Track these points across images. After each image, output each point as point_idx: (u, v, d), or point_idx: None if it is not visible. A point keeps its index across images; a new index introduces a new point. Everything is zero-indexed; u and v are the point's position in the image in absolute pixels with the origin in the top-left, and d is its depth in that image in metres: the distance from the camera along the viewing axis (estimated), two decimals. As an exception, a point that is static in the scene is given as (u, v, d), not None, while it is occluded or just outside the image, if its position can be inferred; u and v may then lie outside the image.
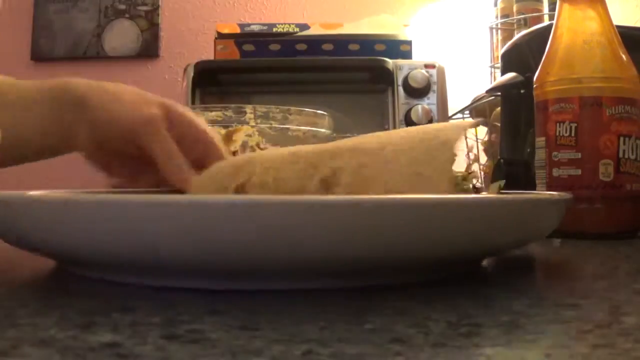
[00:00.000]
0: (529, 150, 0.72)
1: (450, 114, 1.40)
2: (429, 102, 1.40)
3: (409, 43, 1.52)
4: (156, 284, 0.30)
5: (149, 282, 0.30)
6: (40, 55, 2.01)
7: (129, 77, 1.96)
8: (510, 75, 0.79)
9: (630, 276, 0.35)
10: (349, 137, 0.47)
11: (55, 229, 0.29)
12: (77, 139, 0.61)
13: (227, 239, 0.26)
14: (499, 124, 0.90)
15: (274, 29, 1.55)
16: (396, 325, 0.23)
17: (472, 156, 1.14)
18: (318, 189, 0.34)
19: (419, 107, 1.39)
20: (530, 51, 0.75)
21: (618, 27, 0.57)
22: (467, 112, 1.22)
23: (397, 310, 0.25)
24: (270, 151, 0.55)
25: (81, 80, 0.62)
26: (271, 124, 0.68)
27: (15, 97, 0.60)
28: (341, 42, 1.50)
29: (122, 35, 2.02)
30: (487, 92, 0.99)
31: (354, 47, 1.50)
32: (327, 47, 1.50)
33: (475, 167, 1.13)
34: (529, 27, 0.90)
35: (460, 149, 1.11)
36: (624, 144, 0.54)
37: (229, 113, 0.92)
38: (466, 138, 1.08)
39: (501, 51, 0.88)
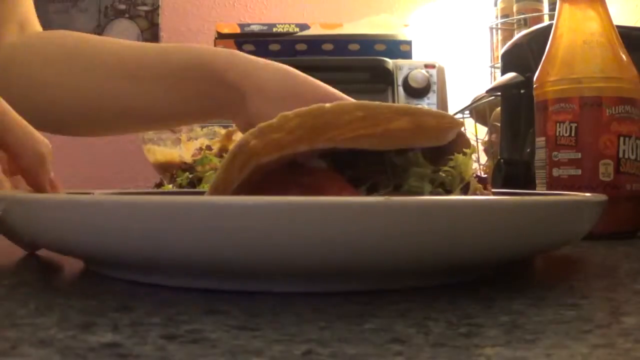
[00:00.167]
0: (529, 150, 0.72)
1: (450, 114, 1.40)
2: (429, 102, 1.40)
3: (409, 43, 1.52)
4: (157, 282, 0.30)
5: (150, 280, 0.30)
6: (40, 55, 2.01)
7: (129, 77, 1.95)
8: (510, 75, 0.79)
9: (630, 276, 0.35)
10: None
11: (57, 228, 0.30)
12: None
13: (230, 239, 0.25)
14: (499, 124, 0.90)
15: (274, 29, 1.55)
16: (396, 325, 0.23)
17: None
18: None
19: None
20: (530, 51, 0.75)
21: (618, 27, 0.57)
22: (467, 112, 1.22)
23: (397, 310, 0.25)
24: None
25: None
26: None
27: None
28: (341, 42, 1.50)
29: (122, 35, 2.02)
30: (487, 92, 0.99)
31: (354, 47, 1.50)
32: (327, 47, 1.50)
33: (475, 167, 1.13)
34: (529, 27, 0.90)
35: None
36: (624, 144, 0.54)
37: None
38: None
39: (501, 51, 0.88)
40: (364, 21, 1.57)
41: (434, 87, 1.41)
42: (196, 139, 0.97)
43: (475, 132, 1.16)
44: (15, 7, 0.68)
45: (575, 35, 0.56)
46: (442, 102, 1.41)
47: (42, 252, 0.42)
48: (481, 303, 0.27)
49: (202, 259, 0.27)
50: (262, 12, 2.00)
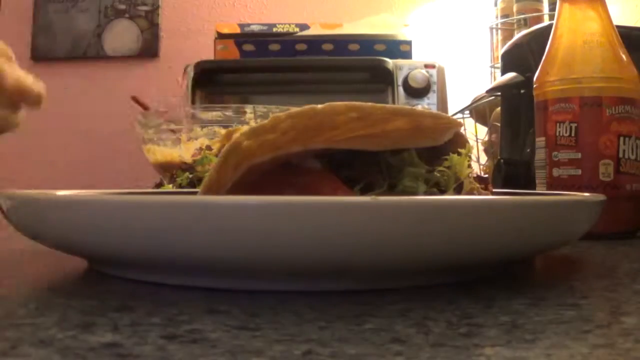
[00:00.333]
0: (529, 150, 0.72)
1: (450, 114, 1.40)
2: (429, 102, 1.40)
3: (409, 43, 1.52)
4: (158, 280, 0.30)
5: (151, 278, 0.30)
6: (40, 55, 2.01)
7: (128, 77, 1.96)
8: (510, 75, 0.79)
9: (630, 276, 0.35)
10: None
11: (59, 226, 0.30)
12: None
13: (229, 238, 0.26)
14: (499, 124, 0.90)
15: (274, 29, 1.55)
16: (396, 325, 0.23)
17: (472, 156, 1.14)
18: None
19: (419, 107, 1.39)
20: (530, 51, 0.75)
21: (618, 27, 0.57)
22: (467, 112, 1.22)
23: (397, 310, 0.25)
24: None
25: None
26: (271, 124, 0.68)
27: None
28: (341, 42, 1.50)
29: (122, 35, 2.02)
30: (487, 92, 0.99)
31: (353, 47, 1.50)
32: (327, 47, 1.50)
33: (475, 167, 1.13)
34: (529, 27, 0.90)
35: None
36: (624, 144, 0.54)
37: (229, 113, 0.92)
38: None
39: (501, 51, 0.88)
40: (364, 21, 1.57)
41: (434, 87, 1.41)
42: (196, 139, 0.97)
43: (475, 132, 1.16)
44: None
45: (575, 35, 0.56)
46: (442, 102, 1.41)
47: (43, 251, 0.42)
48: (481, 303, 0.27)
49: (201, 258, 0.27)
50: (262, 12, 2.00)
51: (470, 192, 0.37)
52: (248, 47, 1.51)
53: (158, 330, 0.22)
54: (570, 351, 0.20)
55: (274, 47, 1.51)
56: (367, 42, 1.50)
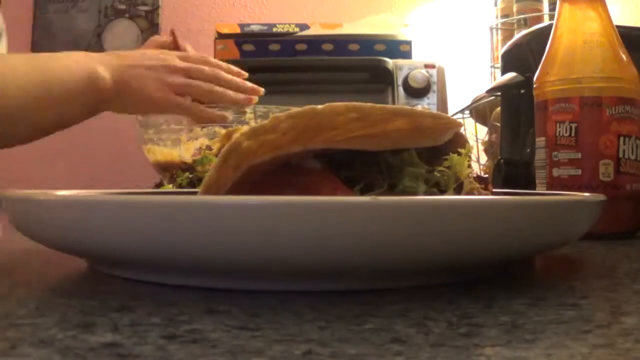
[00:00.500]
0: (529, 150, 0.72)
1: (450, 114, 1.40)
2: (429, 102, 1.40)
3: (409, 43, 1.52)
4: (158, 280, 0.30)
5: (151, 278, 0.30)
6: (40, 55, 2.01)
7: (129, 77, 1.95)
8: (510, 75, 0.79)
9: (630, 276, 0.35)
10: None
11: (58, 226, 0.30)
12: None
13: (228, 238, 0.26)
14: (499, 124, 0.90)
15: (274, 29, 1.55)
16: (396, 325, 0.23)
17: (472, 156, 1.14)
18: None
19: (419, 107, 1.39)
20: (530, 51, 0.75)
21: (618, 27, 0.57)
22: (467, 112, 1.22)
23: (397, 310, 0.25)
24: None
25: (107, 74, 0.75)
26: (271, 124, 0.69)
27: (59, 91, 0.75)
28: (341, 42, 1.50)
29: (122, 35, 2.02)
30: (487, 92, 0.99)
31: (353, 47, 1.50)
32: (327, 47, 1.50)
33: (475, 167, 1.13)
34: (529, 27, 0.90)
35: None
36: (624, 144, 0.54)
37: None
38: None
39: (501, 51, 0.88)
40: (364, 21, 1.57)
41: (434, 87, 1.41)
42: (196, 139, 0.97)
43: (475, 132, 1.16)
44: None
45: (575, 35, 0.56)
46: (442, 102, 1.41)
47: (43, 251, 0.42)
48: (481, 303, 0.27)
49: (201, 258, 0.27)
50: (262, 12, 2.00)
51: (470, 192, 0.37)
52: (248, 47, 1.51)
53: (158, 330, 0.22)
54: (570, 351, 0.20)
55: (274, 47, 1.50)
56: (367, 42, 1.50)
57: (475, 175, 0.39)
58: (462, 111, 1.20)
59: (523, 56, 0.77)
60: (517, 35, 0.86)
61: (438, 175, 0.35)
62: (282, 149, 0.32)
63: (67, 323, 0.23)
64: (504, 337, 0.21)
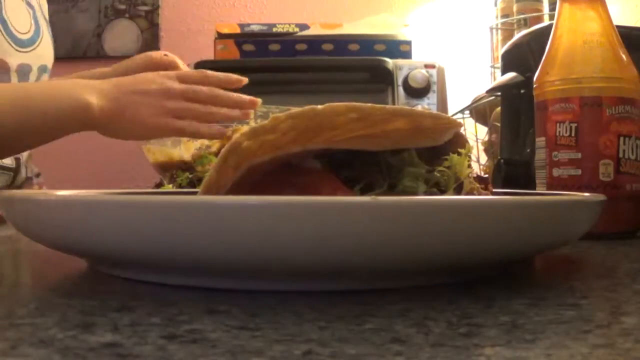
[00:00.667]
0: (529, 150, 0.72)
1: (450, 114, 1.40)
2: (429, 102, 1.40)
3: (409, 43, 1.52)
4: (158, 280, 0.30)
5: (150, 279, 0.30)
6: (40, 55, 2.01)
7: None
8: (510, 75, 0.79)
9: (630, 276, 0.35)
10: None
11: (58, 226, 0.30)
12: None
13: (228, 238, 0.26)
14: (499, 124, 0.90)
15: (274, 29, 1.55)
16: (396, 325, 0.23)
17: (472, 156, 1.13)
18: None
19: (419, 107, 1.39)
20: (530, 51, 0.75)
21: (618, 27, 0.57)
22: (467, 112, 1.22)
23: (397, 310, 0.25)
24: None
25: (101, 102, 0.75)
26: (271, 124, 0.69)
27: (40, 123, 0.75)
28: (341, 42, 1.50)
29: (122, 35, 2.02)
30: (487, 92, 0.99)
31: (353, 47, 1.50)
32: (327, 47, 1.50)
33: (475, 167, 1.13)
34: (529, 27, 0.90)
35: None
36: (624, 144, 0.54)
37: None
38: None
39: (501, 51, 0.88)
40: (364, 21, 1.57)
41: (434, 87, 1.41)
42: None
43: (475, 132, 1.16)
44: None
45: (575, 35, 0.56)
46: (442, 102, 1.41)
47: (44, 251, 0.42)
48: (481, 303, 0.27)
49: (201, 258, 0.27)
50: (262, 12, 2.00)
51: (470, 192, 0.37)
52: (248, 47, 1.51)
53: (158, 330, 0.22)
54: (570, 351, 0.20)
55: (274, 47, 1.51)
56: (367, 42, 1.50)
57: (475, 175, 0.39)
58: (462, 111, 1.20)
59: (523, 56, 0.77)
60: (517, 35, 0.86)
61: (438, 175, 0.35)
62: (282, 149, 0.32)
63: (67, 323, 0.23)
64: (504, 337, 0.21)
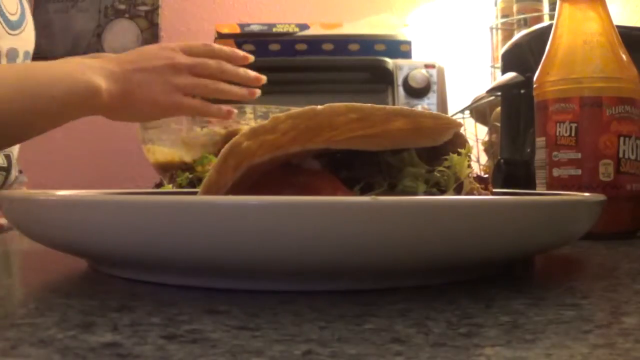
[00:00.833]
0: (529, 150, 0.72)
1: (450, 114, 1.40)
2: (429, 102, 1.40)
3: (409, 43, 1.52)
4: (158, 280, 0.30)
5: (150, 279, 0.30)
6: (40, 55, 2.00)
7: (129, 77, 1.95)
8: (510, 75, 0.79)
9: (630, 276, 0.35)
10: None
11: (59, 226, 0.30)
12: None
13: (228, 238, 0.26)
14: (499, 124, 0.90)
15: (274, 29, 1.55)
16: (396, 325, 0.23)
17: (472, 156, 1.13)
18: None
19: (419, 107, 1.39)
20: (530, 51, 0.75)
21: (618, 27, 0.57)
22: (467, 112, 1.22)
23: (397, 310, 0.25)
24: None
25: (109, 86, 0.71)
26: (271, 124, 0.69)
27: (45, 107, 0.71)
28: (341, 42, 1.50)
29: (122, 35, 2.02)
30: (487, 92, 0.99)
31: (353, 47, 1.50)
32: (327, 47, 1.50)
33: (475, 167, 1.13)
34: (529, 27, 0.90)
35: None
36: (624, 144, 0.54)
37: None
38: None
39: (501, 51, 0.88)
40: (364, 21, 1.57)
41: (434, 87, 1.41)
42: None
43: (475, 132, 1.16)
44: None
45: (575, 35, 0.56)
46: (442, 102, 1.41)
47: (44, 251, 0.42)
48: (481, 303, 0.27)
49: (201, 258, 0.27)
50: (262, 12, 2.00)
51: (470, 192, 0.37)
52: (248, 47, 1.51)
53: (158, 330, 0.22)
54: (570, 351, 0.20)
55: (274, 47, 1.50)
56: (367, 42, 1.50)
57: (475, 175, 0.39)
58: (462, 111, 1.20)
59: (523, 56, 0.77)
60: (517, 35, 0.86)
61: (438, 175, 0.35)
62: (282, 149, 0.32)
63: (67, 323, 0.23)
64: (504, 337, 0.21)
